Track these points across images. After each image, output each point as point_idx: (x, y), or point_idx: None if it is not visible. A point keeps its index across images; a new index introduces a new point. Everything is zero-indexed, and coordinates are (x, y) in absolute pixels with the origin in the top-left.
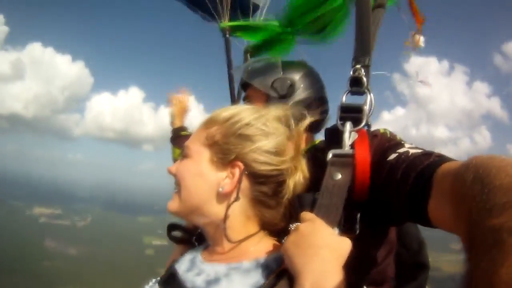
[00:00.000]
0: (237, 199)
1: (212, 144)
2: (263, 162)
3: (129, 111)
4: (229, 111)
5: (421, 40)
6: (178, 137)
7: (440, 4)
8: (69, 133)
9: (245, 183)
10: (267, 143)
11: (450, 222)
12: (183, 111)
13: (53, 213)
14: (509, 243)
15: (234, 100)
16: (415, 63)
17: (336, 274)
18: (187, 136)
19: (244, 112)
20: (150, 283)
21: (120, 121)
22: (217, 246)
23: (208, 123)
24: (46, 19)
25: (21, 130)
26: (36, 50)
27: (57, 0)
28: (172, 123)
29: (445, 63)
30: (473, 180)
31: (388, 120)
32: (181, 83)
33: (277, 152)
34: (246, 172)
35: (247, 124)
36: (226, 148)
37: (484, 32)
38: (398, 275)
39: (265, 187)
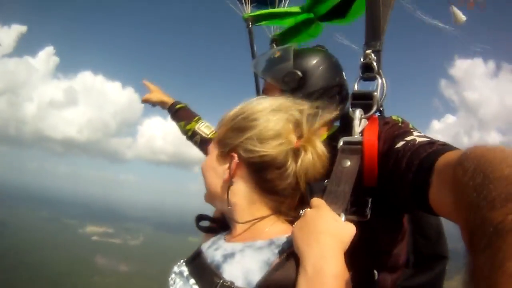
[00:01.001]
0: (230, 183)
1: (219, 141)
2: (253, 150)
3: (179, 134)
4: (234, 110)
5: (459, 14)
6: (177, 111)
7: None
8: (122, 156)
9: (243, 171)
10: (257, 132)
11: (450, 211)
12: (159, 91)
13: (105, 232)
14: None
15: (258, 91)
16: (461, 67)
17: (335, 258)
18: (184, 108)
19: (245, 107)
20: (179, 263)
21: (171, 144)
22: (234, 228)
23: (219, 124)
24: (94, 48)
25: (75, 153)
26: (87, 78)
27: (104, 30)
28: (161, 103)
29: (491, 64)
30: (474, 171)
31: (438, 129)
32: (233, 105)
33: (268, 139)
34: (238, 161)
35: (243, 118)
36: (224, 142)
37: None
38: (416, 264)
39: (263, 174)
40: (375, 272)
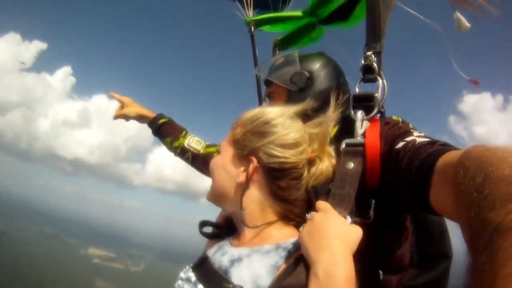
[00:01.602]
0: (247, 187)
1: (235, 142)
2: (273, 155)
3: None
4: (252, 112)
5: (462, 20)
6: (160, 126)
7: (484, 38)
8: (129, 181)
9: (260, 175)
10: (277, 137)
11: (451, 210)
12: (134, 103)
13: (107, 256)
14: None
15: (260, 98)
16: (469, 101)
17: (346, 263)
18: (168, 123)
19: (263, 111)
20: (185, 269)
21: (180, 174)
22: (242, 233)
23: (235, 124)
24: (110, 72)
25: (83, 174)
26: (101, 101)
27: (122, 56)
28: (140, 117)
29: (499, 97)
30: (475, 171)
31: None
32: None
33: (288, 146)
34: (257, 165)
35: (264, 122)
36: (243, 144)
37: None
38: (419, 264)
39: (280, 181)
40: (380, 272)
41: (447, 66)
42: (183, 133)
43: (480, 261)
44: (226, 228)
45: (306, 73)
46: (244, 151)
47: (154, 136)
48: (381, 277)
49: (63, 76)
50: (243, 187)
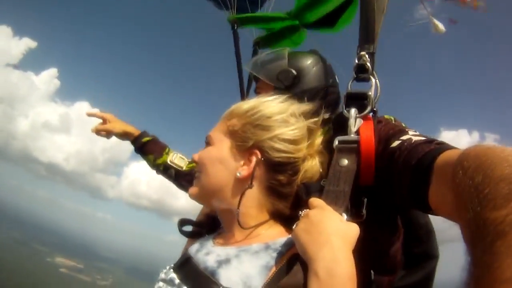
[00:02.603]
0: (250, 186)
1: (232, 133)
2: (280, 149)
3: (165, 183)
4: (249, 103)
5: (439, 25)
6: (144, 145)
7: (462, 76)
8: (103, 193)
9: (261, 170)
10: (284, 132)
11: (450, 210)
12: (117, 120)
13: (75, 266)
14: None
15: (243, 94)
16: (446, 137)
17: (347, 260)
18: (152, 141)
19: (263, 103)
20: (165, 270)
21: (155, 191)
22: (230, 232)
23: (230, 115)
24: (95, 81)
25: (57, 180)
26: (83, 108)
27: (109, 67)
28: (124, 134)
29: (475, 134)
30: (475, 170)
31: None
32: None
33: (294, 141)
34: (262, 159)
35: (265, 115)
36: (245, 136)
37: (508, 97)
38: (406, 264)
39: (280, 176)
40: (371, 272)
41: (424, 103)
42: (166, 150)
43: (480, 262)
44: (208, 226)
45: (293, 71)
46: (247, 143)
47: (136, 153)
48: (373, 277)
49: (49, 77)
50: (244, 183)
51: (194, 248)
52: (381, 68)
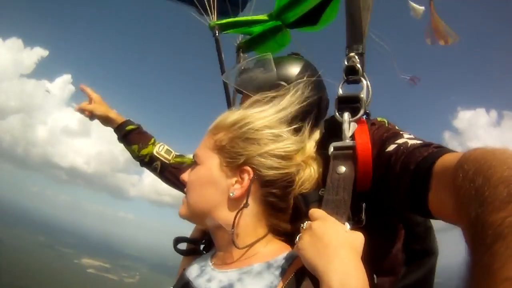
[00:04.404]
0: (246, 205)
1: (220, 149)
2: (272, 166)
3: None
4: (234, 115)
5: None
6: (128, 133)
7: (478, 54)
8: (125, 193)
9: (255, 187)
10: (274, 148)
11: (450, 214)
12: (103, 103)
13: (102, 266)
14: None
15: (229, 103)
16: (464, 117)
17: (359, 271)
18: (137, 130)
19: (250, 116)
20: None
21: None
22: (226, 252)
23: (215, 129)
24: (111, 84)
25: (78, 183)
26: None
27: (124, 69)
28: (106, 119)
29: (494, 113)
30: (475, 173)
31: None
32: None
33: (285, 156)
34: (255, 177)
35: (254, 128)
36: (234, 152)
37: None
38: (406, 262)
39: (274, 189)
40: (374, 276)
41: (441, 84)
42: (152, 140)
43: (481, 263)
44: (204, 243)
45: (284, 84)
46: (238, 159)
47: (120, 143)
48: (375, 281)
49: (63, 84)
50: (239, 203)
51: (193, 271)
52: (396, 48)
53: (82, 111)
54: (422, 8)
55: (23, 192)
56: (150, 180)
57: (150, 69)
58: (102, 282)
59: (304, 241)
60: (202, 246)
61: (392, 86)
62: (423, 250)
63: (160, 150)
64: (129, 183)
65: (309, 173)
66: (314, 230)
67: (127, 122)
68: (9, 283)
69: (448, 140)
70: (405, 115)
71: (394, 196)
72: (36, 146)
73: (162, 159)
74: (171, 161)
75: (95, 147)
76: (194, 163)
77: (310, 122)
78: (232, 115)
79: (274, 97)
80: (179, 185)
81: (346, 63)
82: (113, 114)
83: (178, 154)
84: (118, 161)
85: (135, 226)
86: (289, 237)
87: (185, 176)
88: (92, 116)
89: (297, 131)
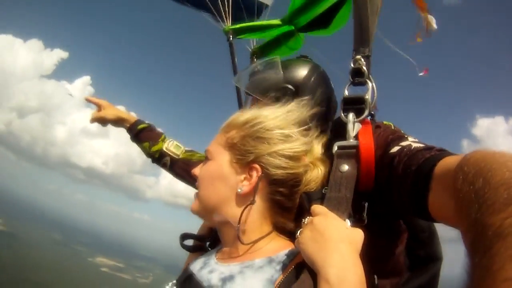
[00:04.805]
0: (253, 202)
1: (231, 146)
2: (280, 166)
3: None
4: (247, 114)
5: (432, 20)
6: (140, 132)
7: (497, 62)
8: (141, 194)
9: (263, 184)
10: (283, 148)
11: (451, 216)
12: (112, 106)
13: (115, 266)
14: (511, 239)
15: (240, 105)
16: (483, 125)
17: (357, 266)
18: (148, 128)
19: (262, 115)
20: (167, 286)
21: (193, 189)
22: (232, 247)
23: (228, 127)
24: (130, 85)
25: (95, 183)
26: None
27: (143, 71)
28: (119, 120)
29: None
30: (475, 175)
31: None
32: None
33: (293, 157)
34: (263, 175)
35: (265, 128)
36: (244, 149)
37: None
38: (410, 267)
39: (282, 189)
40: (375, 277)
41: (459, 91)
42: (162, 137)
43: (480, 264)
44: (209, 240)
45: (291, 87)
46: (247, 157)
47: (132, 142)
48: (376, 282)
49: (82, 85)
50: (246, 199)
51: (197, 265)
52: (413, 53)
53: (94, 120)
54: (435, 27)
55: (40, 190)
56: (166, 182)
57: (168, 72)
58: (116, 281)
59: (305, 235)
60: (207, 244)
61: (410, 94)
62: (427, 256)
63: (169, 145)
64: (145, 185)
65: (316, 174)
66: (315, 225)
67: (138, 122)
68: (23, 278)
69: (467, 148)
70: (423, 123)
71: (395, 198)
72: (55, 146)
73: (172, 154)
74: (180, 156)
75: (113, 148)
76: (206, 159)
77: (319, 124)
78: (245, 114)
79: (285, 100)
80: (189, 179)
81: (352, 65)
82: (124, 114)
83: (188, 149)
84: (136, 162)
85: (150, 227)
86: (293, 235)
87: (196, 170)
88: (104, 121)
89: (307, 132)
